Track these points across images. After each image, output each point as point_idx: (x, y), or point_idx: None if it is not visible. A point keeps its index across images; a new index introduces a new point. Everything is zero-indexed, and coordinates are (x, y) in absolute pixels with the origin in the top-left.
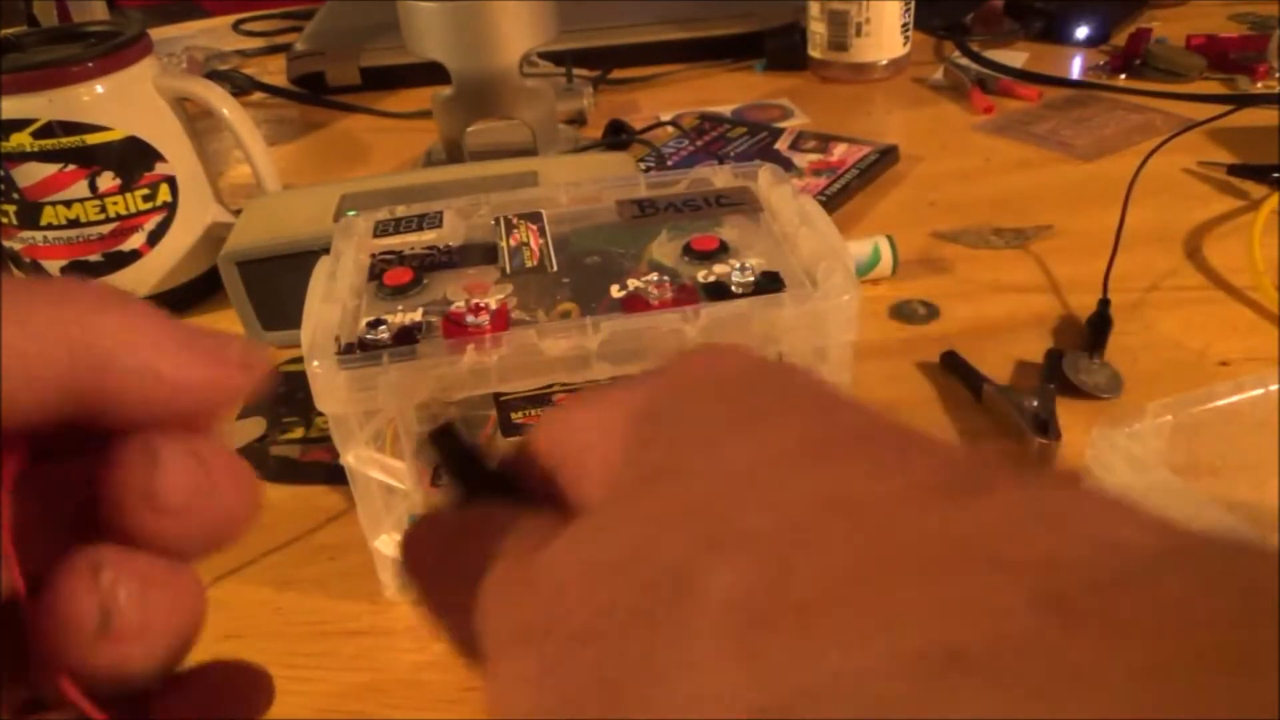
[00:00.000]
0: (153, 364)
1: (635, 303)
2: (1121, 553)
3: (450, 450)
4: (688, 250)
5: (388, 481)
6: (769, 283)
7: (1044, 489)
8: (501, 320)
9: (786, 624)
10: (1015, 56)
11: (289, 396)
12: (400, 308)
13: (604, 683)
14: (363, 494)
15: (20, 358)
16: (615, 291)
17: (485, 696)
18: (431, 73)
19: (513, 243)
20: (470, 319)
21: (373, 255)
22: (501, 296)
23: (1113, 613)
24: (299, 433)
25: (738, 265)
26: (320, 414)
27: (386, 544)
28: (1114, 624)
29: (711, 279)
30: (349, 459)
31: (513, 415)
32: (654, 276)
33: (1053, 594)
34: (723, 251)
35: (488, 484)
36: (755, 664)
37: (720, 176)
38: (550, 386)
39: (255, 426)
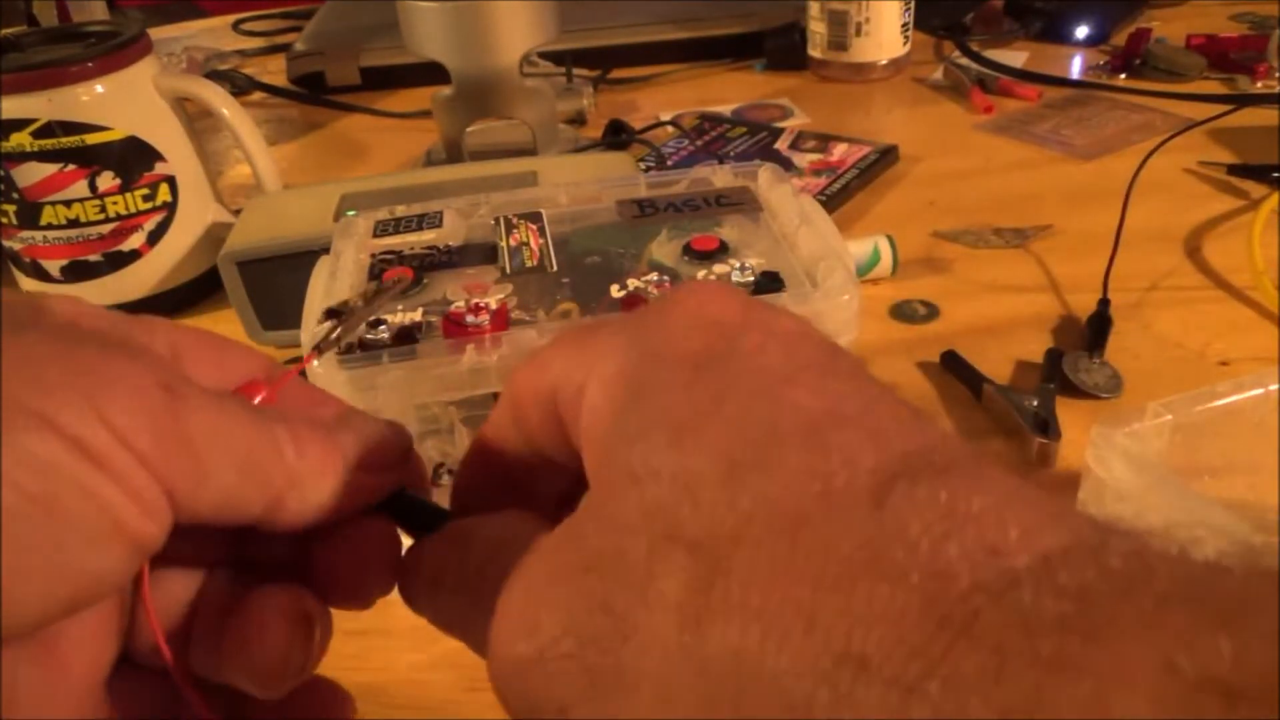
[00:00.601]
0: (321, 505)
1: (635, 303)
2: (998, 560)
3: (405, 513)
4: (688, 250)
5: None
6: (769, 283)
7: (956, 491)
8: (501, 320)
9: (721, 623)
10: (1015, 56)
11: None
12: (400, 308)
13: (584, 665)
14: None
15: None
16: (615, 291)
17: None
18: (431, 72)
19: (513, 242)
20: (470, 319)
21: (373, 255)
22: (501, 296)
23: (977, 623)
24: None
25: (737, 265)
26: None
27: None
28: (977, 633)
29: (711, 279)
30: None
31: None
32: (654, 276)
33: (939, 604)
34: (722, 251)
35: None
36: (696, 659)
37: (720, 176)
38: None
39: None
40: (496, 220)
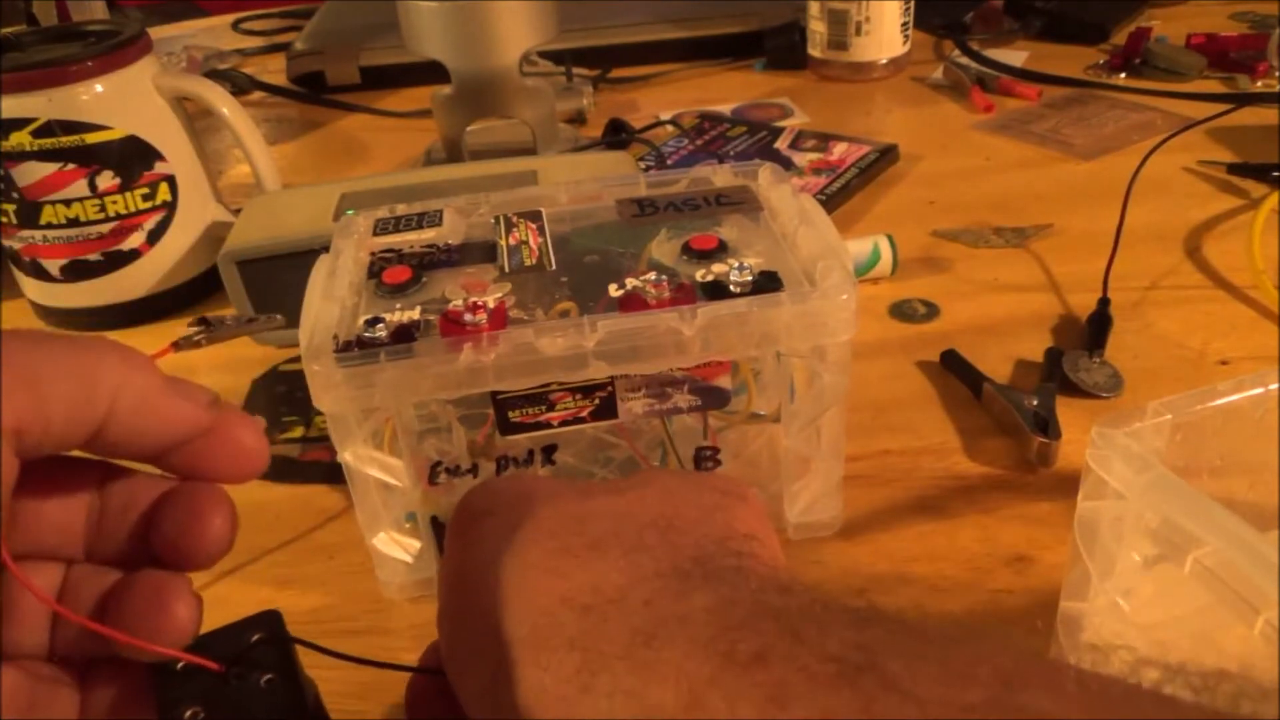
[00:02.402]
0: (148, 407)
1: (633, 302)
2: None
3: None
4: (686, 249)
5: (385, 479)
6: (767, 282)
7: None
8: (499, 319)
9: (580, 558)
10: (1015, 55)
11: (289, 396)
12: (399, 306)
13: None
14: (360, 492)
15: (32, 410)
16: (613, 290)
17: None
18: (431, 72)
19: (512, 241)
20: (468, 317)
21: (372, 253)
22: (499, 295)
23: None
24: (298, 432)
25: (736, 265)
26: (319, 413)
27: (384, 541)
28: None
29: (710, 278)
30: (347, 457)
31: (510, 414)
32: (652, 276)
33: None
34: (721, 251)
35: None
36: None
37: (720, 176)
38: (548, 385)
39: None
40: (496, 219)
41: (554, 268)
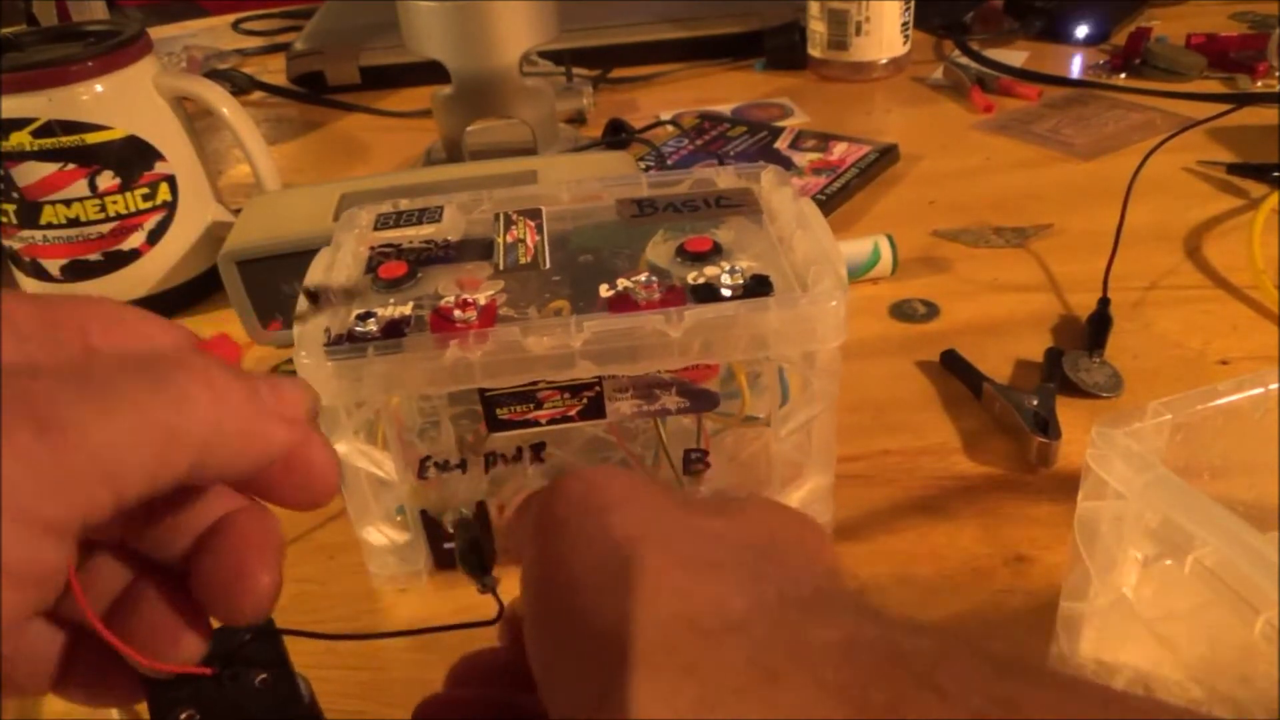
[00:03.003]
0: (234, 449)
1: (622, 303)
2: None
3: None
4: (681, 251)
5: (375, 472)
6: (758, 286)
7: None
8: (489, 317)
9: (700, 576)
10: (1015, 55)
11: None
12: (392, 301)
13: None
14: (351, 485)
15: (113, 462)
16: (604, 291)
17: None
18: (431, 72)
19: (509, 239)
20: (458, 314)
21: (372, 248)
22: (491, 293)
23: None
24: None
25: (728, 268)
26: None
27: (373, 534)
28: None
29: (701, 280)
30: (337, 449)
31: (498, 411)
32: (643, 277)
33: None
34: (715, 253)
35: None
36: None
37: (724, 177)
38: (536, 384)
39: None
40: (496, 216)
41: (548, 266)
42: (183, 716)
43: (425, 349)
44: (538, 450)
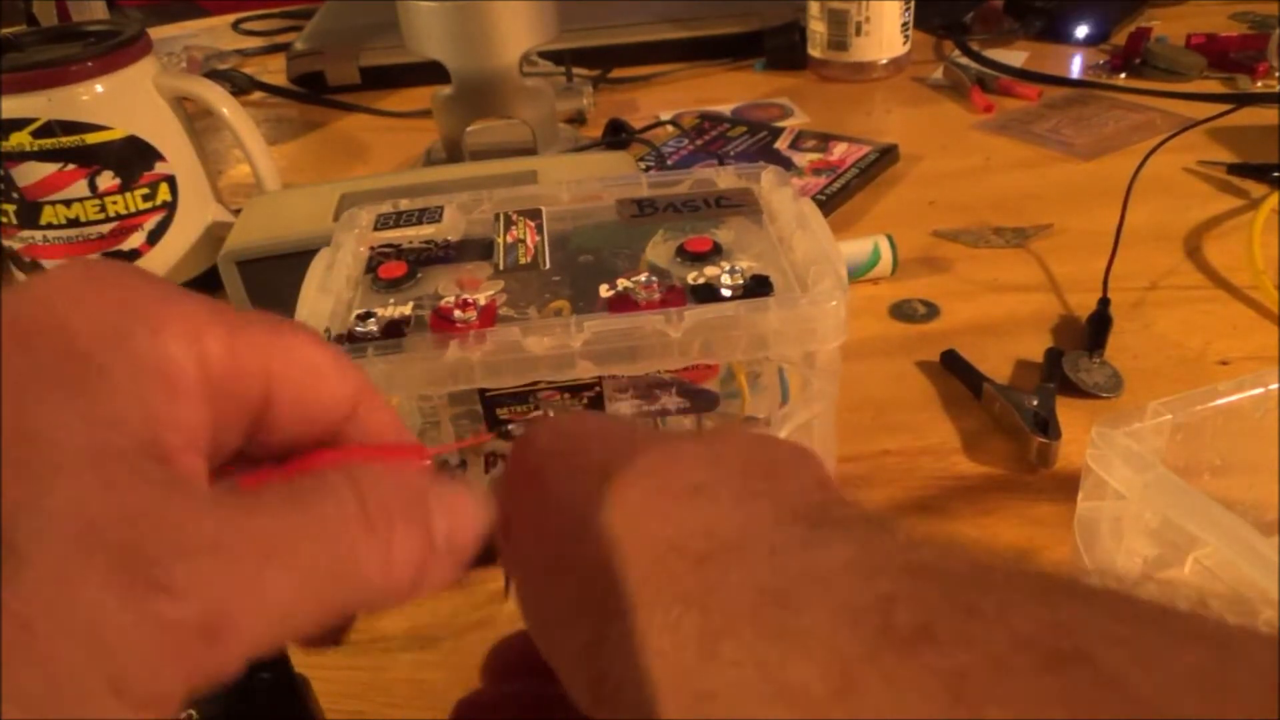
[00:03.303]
0: (318, 395)
1: (622, 303)
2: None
3: None
4: (681, 251)
5: None
6: (758, 286)
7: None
8: (489, 317)
9: (683, 501)
10: (1015, 55)
11: None
12: (392, 301)
13: None
14: None
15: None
16: (604, 291)
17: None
18: (431, 72)
19: (510, 239)
20: (458, 314)
21: (372, 248)
22: (492, 293)
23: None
24: None
25: (728, 268)
26: None
27: None
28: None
29: (701, 281)
30: None
31: (498, 412)
32: (643, 277)
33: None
34: (716, 253)
35: None
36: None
37: (724, 178)
38: (536, 384)
39: None
40: (496, 216)
41: (548, 266)
42: (182, 716)
43: (425, 349)
44: None
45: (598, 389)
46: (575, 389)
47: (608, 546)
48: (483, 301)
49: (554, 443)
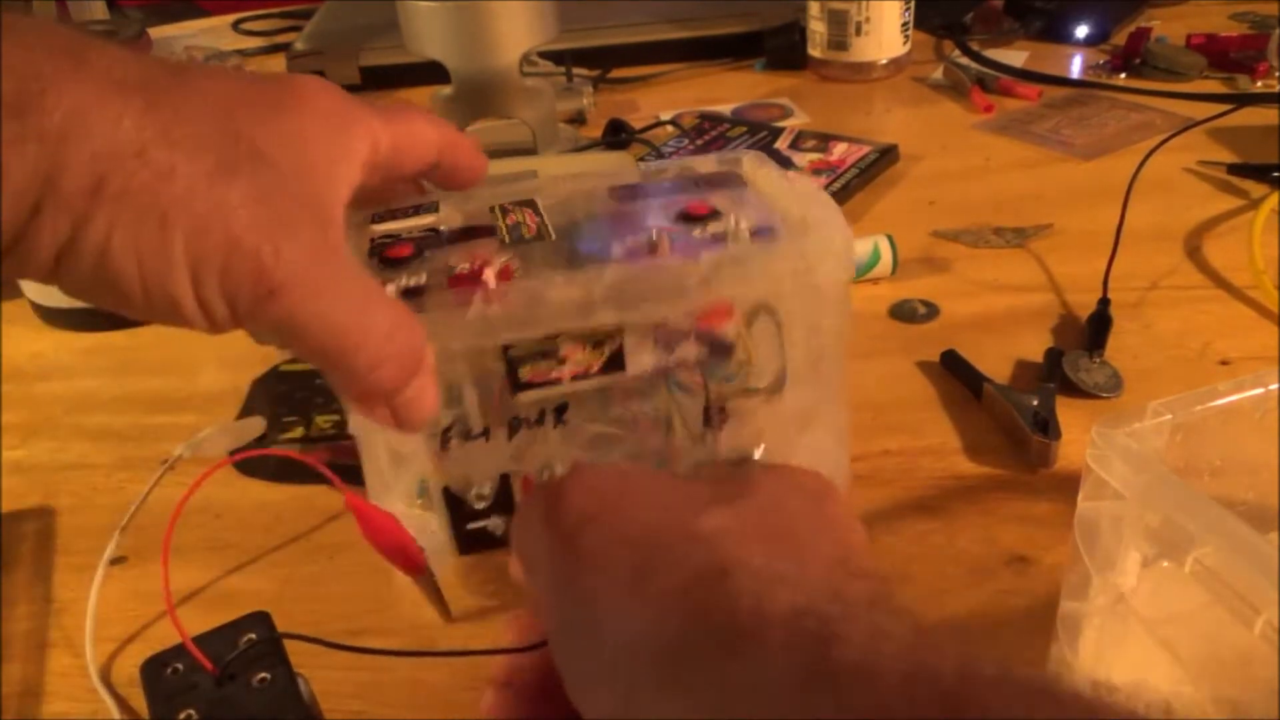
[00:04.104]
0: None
1: (639, 252)
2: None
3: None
4: (682, 216)
5: (395, 445)
6: (763, 231)
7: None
8: (506, 279)
9: (712, 589)
10: (1015, 56)
11: (289, 396)
12: (404, 276)
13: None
14: (370, 459)
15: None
16: (617, 249)
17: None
18: (431, 72)
19: (510, 222)
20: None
21: (372, 240)
22: (504, 259)
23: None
24: (299, 432)
25: (732, 222)
26: (320, 413)
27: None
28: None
29: (708, 234)
30: (356, 421)
31: (521, 371)
32: (654, 233)
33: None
34: (715, 216)
35: None
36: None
37: (705, 164)
38: (557, 338)
39: (255, 426)
40: (492, 208)
41: (554, 237)
42: (182, 716)
43: (448, 305)
44: (560, 412)
45: (618, 342)
46: (597, 342)
47: (640, 622)
48: (498, 267)
49: (587, 504)
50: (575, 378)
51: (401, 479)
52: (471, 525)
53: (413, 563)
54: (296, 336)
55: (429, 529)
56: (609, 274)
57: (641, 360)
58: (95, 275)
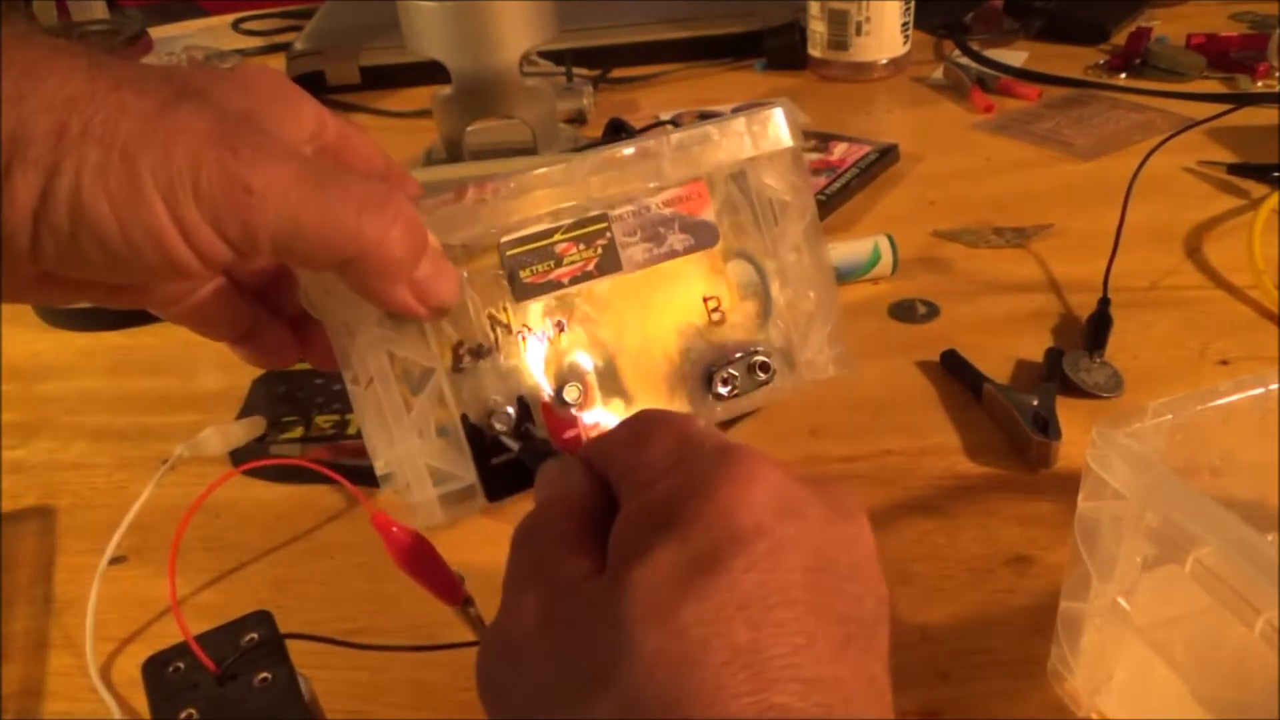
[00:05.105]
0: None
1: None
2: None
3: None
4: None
5: (407, 362)
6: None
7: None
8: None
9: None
10: (1015, 55)
11: (289, 396)
12: None
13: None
14: (370, 407)
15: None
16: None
17: None
18: (431, 72)
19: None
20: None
21: None
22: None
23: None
24: (298, 432)
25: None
26: (320, 413)
27: (413, 471)
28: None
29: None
30: (355, 357)
31: (522, 274)
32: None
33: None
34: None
35: None
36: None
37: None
38: (551, 234)
39: (255, 426)
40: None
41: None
42: (183, 715)
43: (444, 196)
44: (561, 327)
45: (608, 234)
46: (588, 238)
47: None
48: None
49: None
50: (574, 280)
51: (411, 415)
52: (496, 460)
53: (450, 591)
54: (296, 234)
55: (453, 473)
56: (590, 155)
57: (634, 255)
58: (73, 229)
